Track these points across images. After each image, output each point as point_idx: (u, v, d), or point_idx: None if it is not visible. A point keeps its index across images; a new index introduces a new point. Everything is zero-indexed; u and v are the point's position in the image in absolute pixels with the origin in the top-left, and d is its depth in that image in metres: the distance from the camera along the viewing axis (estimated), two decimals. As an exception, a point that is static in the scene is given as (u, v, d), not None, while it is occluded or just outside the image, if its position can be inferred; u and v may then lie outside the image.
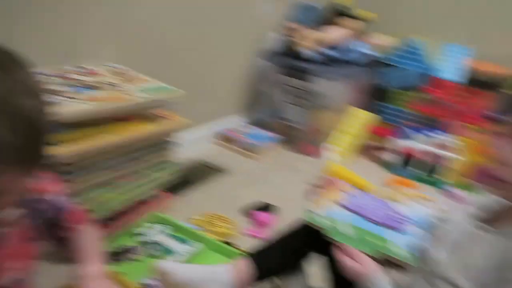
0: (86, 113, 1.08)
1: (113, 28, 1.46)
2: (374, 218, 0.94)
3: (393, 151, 1.99)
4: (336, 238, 0.88)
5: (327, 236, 0.89)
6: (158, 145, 1.34)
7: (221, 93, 2.12)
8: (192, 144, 1.96)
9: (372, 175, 1.94)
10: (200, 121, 2.03)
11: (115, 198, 1.25)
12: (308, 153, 2.13)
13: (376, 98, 2.37)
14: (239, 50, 2.14)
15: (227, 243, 1.31)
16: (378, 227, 0.91)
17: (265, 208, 1.58)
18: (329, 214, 0.94)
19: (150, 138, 1.28)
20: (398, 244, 0.86)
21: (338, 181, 1.03)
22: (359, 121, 2.15)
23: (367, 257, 0.85)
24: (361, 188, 1.79)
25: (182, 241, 1.30)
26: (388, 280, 0.82)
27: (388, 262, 0.87)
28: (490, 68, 2.02)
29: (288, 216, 1.51)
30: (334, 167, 1.83)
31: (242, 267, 1.01)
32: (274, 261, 1.03)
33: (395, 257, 0.85)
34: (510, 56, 1.92)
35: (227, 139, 2.10)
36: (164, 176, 1.41)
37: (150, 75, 1.39)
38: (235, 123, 2.25)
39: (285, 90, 2.15)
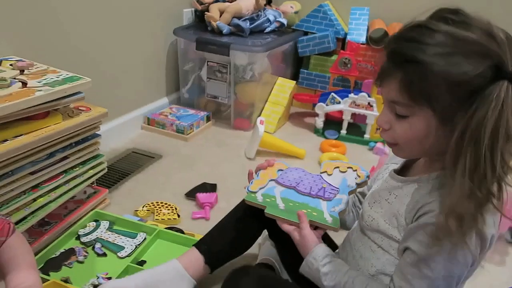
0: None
1: (7, 16, 1.31)
2: (308, 191, 0.98)
3: (321, 116, 2.06)
4: (276, 214, 0.93)
5: (268, 213, 0.94)
6: (82, 139, 1.26)
7: (142, 77, 2.03)
8: (121, 133, 1.88)
9: (305, 142, 2.00)
10: (125, 108, 1.94)
11: (46, 201, 1.16)
12: (239, 128, 2.13)
13: (296, 65, 2.43)
14: (156, 31, 2.05)
15: (176, 229, 1.29)
16: (313, 199, 0.96)
17: (206, 188, 1.57)
18: (267, 191, 0.98)
19: (70, 133, 1.19)
20: (332, 214, 0.92)
21: (275, 160, 1.06)
22: (285, 90, 2.18)
23: (309, 231, 0.88)
24: (296, 156, 1.85)
25: (128, 234, 1.25)
26: (327, 253, 0.86)
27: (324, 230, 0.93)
28: (395, 27, 2.14)
29: (230, 193, 1.53)
30: (268, 139, 1.86)
31: (191, 258, 1.00)
32: (224, 244, 1.02)
33: (330, 226, 0.91)
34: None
35: (155, 123, 2.03)
36: (96, 170, 1.34)
37: (61, 66, 1.26)
38: (161, 105, 2.18)
39: (207, 66, 2.11)
